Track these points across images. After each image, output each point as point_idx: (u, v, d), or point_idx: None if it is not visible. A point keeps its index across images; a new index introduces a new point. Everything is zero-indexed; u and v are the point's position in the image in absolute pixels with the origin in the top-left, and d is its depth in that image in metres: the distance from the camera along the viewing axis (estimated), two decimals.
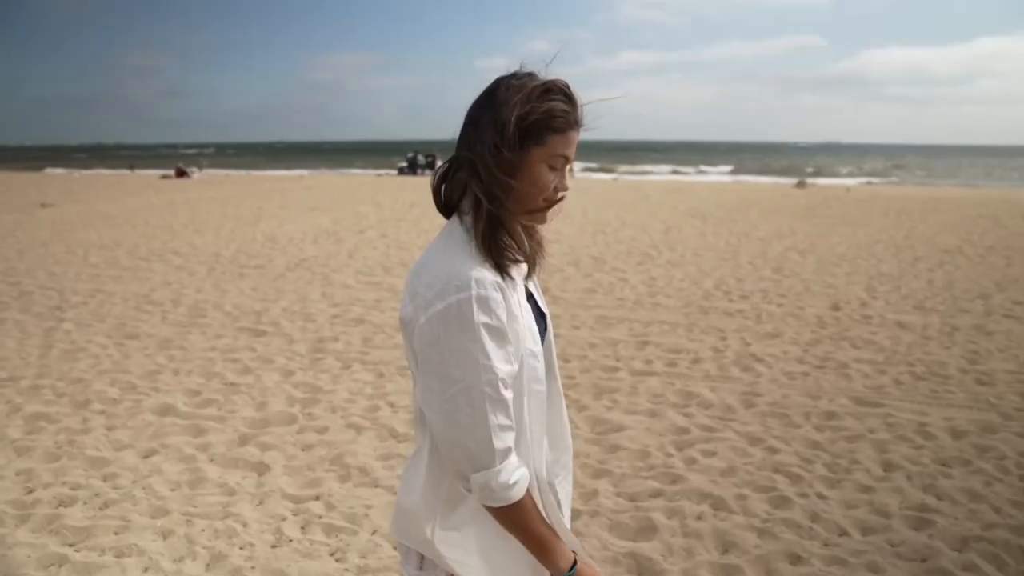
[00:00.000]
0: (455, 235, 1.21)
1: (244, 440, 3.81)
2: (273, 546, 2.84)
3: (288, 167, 44.36)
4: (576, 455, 3.42)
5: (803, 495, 3.21)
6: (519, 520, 1.21)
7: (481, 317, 1.14)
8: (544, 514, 1.26)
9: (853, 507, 3.12)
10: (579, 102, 1.22)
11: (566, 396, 3.12)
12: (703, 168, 44.65)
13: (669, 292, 7.12)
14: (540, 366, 1.26)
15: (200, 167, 33.83)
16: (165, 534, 2.92)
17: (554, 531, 1.25)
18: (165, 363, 5.02)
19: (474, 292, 1.13)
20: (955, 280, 7.72)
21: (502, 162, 1.17)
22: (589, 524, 2.99)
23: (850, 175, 38.30)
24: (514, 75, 1.20)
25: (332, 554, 2.79)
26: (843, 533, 2.93)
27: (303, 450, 3.69)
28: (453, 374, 1.15)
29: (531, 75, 1.20)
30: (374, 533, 2.93)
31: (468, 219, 1.20)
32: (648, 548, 2.82)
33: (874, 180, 34.01)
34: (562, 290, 7.23)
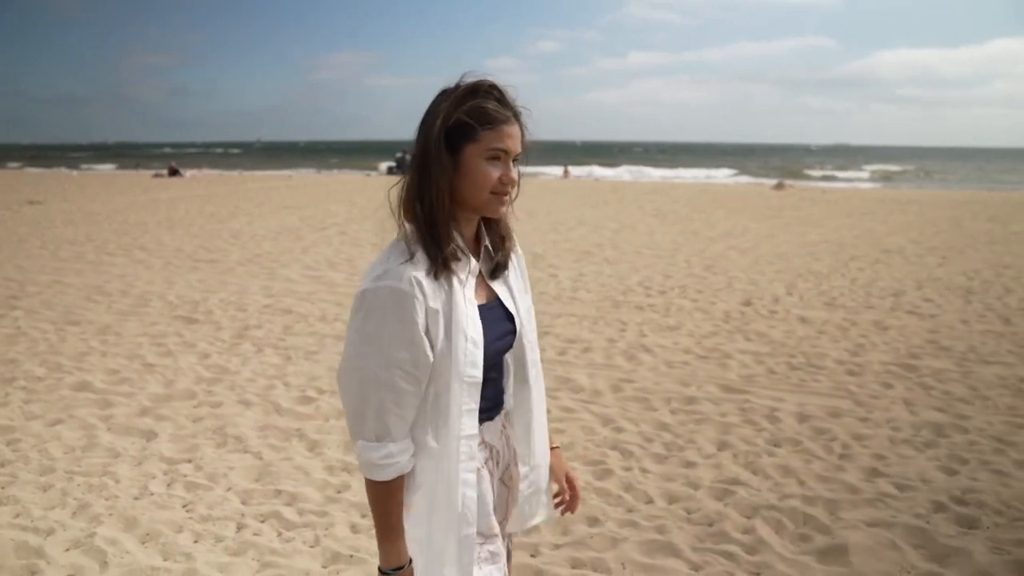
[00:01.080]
0: (400, 236, 1.32)
1: (143, 412, 4.17)
2: (136, 498, 3.20)
3: (288, 167, 44.83)
4: None
5: (627, 468, 3.53)
6: (373, 498, 1.31)
7: (390, 306, 1.22)
8: (438, 496, 1.32)
9: (670, 480, 3.43)
10: (510, 98, 1.30)
11: None
12: (703, 170, 44.49)
13: (591, 288, 7.46)
14: (479, 353, 1.31)
15: (199, 167, 34.32)
16: (45, 488, 3.29)
17: (398, 527, 1.31)
18: (96, 346, 5.40)
19: (390, 283, 1.22)
20: (878, 278, 8.02)
21: (440, 165, 1.26)
22: None
23: (847, 178, 38.39)
24: (453, 86, 1.30)
25: (184, 506, 3.15)
26: (649, 501, 3.24)
27: (193, 422, 4.05)
28: (356, 350, 1.26)
29: (471, 81, 1.29)
30: (228, 490, 3.29)
31: (409, 222, 1.31)
32: None
33: (864, 181, 34.18)
34: None
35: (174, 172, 27.13)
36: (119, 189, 22.15)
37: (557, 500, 1.67)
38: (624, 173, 41.47)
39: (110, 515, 3.04)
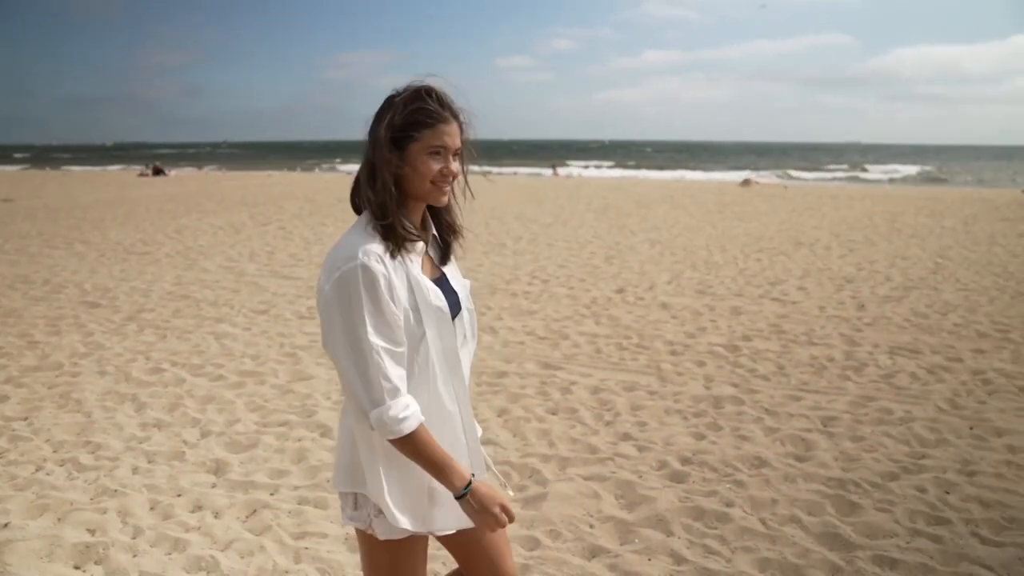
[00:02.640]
0: (360, 222, 1.49)
1: (7, 380, 4.63)
2: None
3: (286, 166, 45.36)
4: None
5: None
6: (414, 448, 1.43)
7: (364, 283, 1.39)
8: (444, 441, 1.48)
9: None
10: (448, 100, 1.48)
11: None
12: (706, 169, 43.44)
13: (479, 276, 7.91)
14: (446, 317, 1.51)
15: (200, 166, 34.73)
16: None
17: (449, 456, 1.46)
18: None
19: (360, 262, 1.40)
20: (768, 269, 8.41)
21: (387, 162, 1.44)
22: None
23: (847, 177, 38.22)
24: (399, 90, 1.48)
25: None
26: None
27: (48, 388, 4.51)
28: (344, 328, 1.40)
29: (410, 87, 1.47)
30: (46, 441, 3.74)
31: (366, 211, 1.49)
32: None
33: (841, 177, 34.25)
34: None
35: (158, 171, 27.74)
36: (96, 187, 22.76)
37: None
38: (611, 172, 41.74)
39: None
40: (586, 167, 46.66)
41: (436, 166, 1.47)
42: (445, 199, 1.53)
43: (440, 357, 1.51)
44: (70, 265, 8.69)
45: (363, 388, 1.40)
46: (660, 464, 3.55)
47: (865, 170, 44.68)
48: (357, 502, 1.55)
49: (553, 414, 4.19)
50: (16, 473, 3.37)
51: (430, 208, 1.61)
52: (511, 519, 1.51)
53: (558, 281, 7.71)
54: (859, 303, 6.78)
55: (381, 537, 1.53)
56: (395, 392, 1.40)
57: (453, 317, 1.56)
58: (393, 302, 1.42)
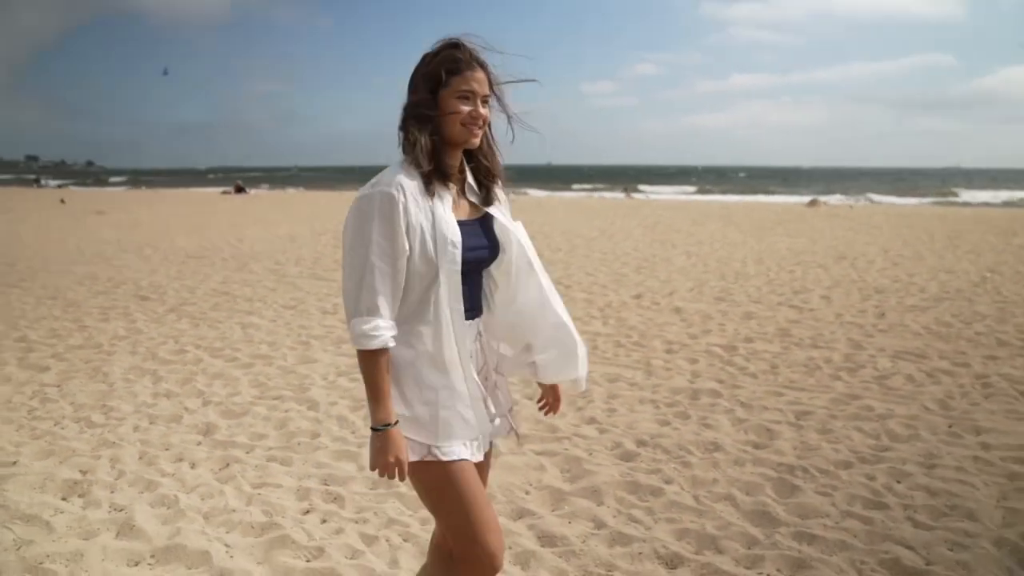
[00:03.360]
0: (396, 160, 1.63)
1: (53, 356, 5.18)
2: None
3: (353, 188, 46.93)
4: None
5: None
6: (363, 366, 1.56)
7: (380, 206, 1.52)
8: (416, 375, 1.59)
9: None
10: (474, 52, 1.61)
11: None
12: (789, 193, 40.75)
13: None
14: (458, 253, 1.58)
15: (293, 186, 36.38)
16: None
17: (386, 391, 1.55)
18: (57, 313, 6.54)
19: (381, 189, 1.53)
20: (799, 280, 8.27)
21: (421, 106, 1.58)
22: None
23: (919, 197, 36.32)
24: (439, 46, 1.62)
25: (30, 411, 4.09)
26: None
27: (84, 362, 5.02)
28: (351, 244, 1.55)
29: (441, 41, 1.62)
30: (63, 398, 4.21)
31: (402, 150, 1.62)
32: None
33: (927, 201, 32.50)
34: None
35: (240, 190, 29.48)
36: (180, 204, 24.41)
37: (541, 404, 1.99)
38: (686, 195, 41.18)
39: None
40: (657, 191, 46.21)
41: (465, 108, 1.59)
42: (476, 140, 1.64)
43: (449, 286, 1.59)
44: (135, 266, 9.49)
45: (352, 298, 1.54)
46: (615, 445, 3.67)
47: (955, 194, 41.90)
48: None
49: (528, 399, 4.36)
50: (36, 426, 3.82)
51: (469, 155, 1.71)
52: (401, 477, 1.57)
53: (580, 287, 7.87)
54: (881, 311, 6.64)
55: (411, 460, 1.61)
56: (374, 310, 1.52)
57: (484, 258, 1.67)
58: (408, 230, 1.53)
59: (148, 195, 33.28)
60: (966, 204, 32.85)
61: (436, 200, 1.59)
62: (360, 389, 4.42)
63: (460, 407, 1.63)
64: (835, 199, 32.05)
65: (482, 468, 1.77)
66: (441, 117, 1.59)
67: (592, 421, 3.99)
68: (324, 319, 6.38)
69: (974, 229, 14.61)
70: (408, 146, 1.59)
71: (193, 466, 3.37)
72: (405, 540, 2.72)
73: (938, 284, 8.05)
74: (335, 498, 3.04)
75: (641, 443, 3.67)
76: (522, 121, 1.71)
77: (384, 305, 1.53)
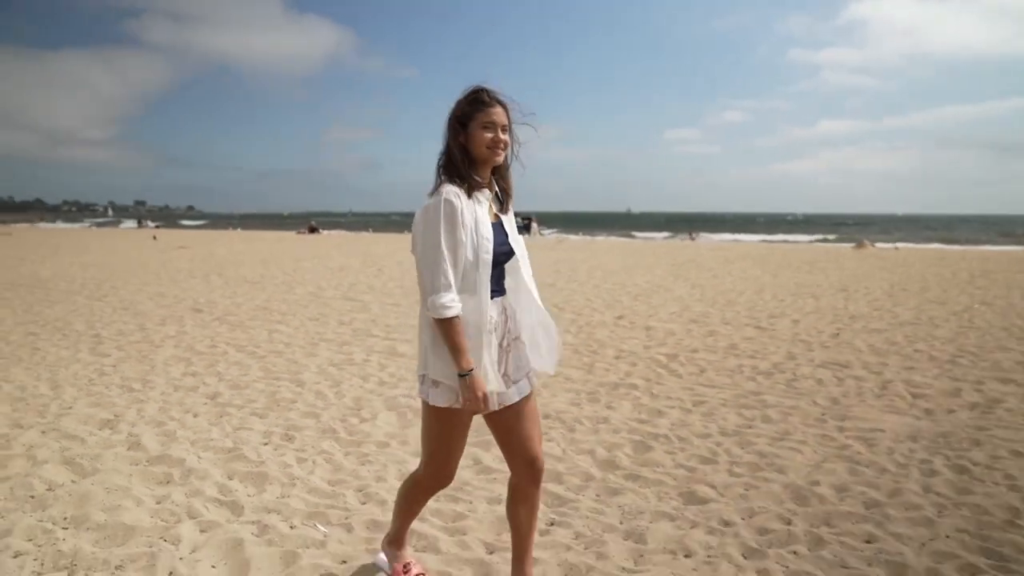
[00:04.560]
0: (443, 180, 2.11)
1: (116, 347, 6.47)
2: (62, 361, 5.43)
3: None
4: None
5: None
6: (446, 330, 2.01)
7: (444, 209, 2.00)
8: (472, 335, 2.03)
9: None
10: (494, 93, 2.12)
11: None
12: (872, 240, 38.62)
13: None
14: (490, 246, 2.07)
15: (368, 229, 38.64)
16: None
17: (465, 347, 2.00)
18: (128, 319, 7.93)
19: (443, 196, 2.02)
20: (783, 307, 8.85)
21: (456, 137, 2.09)
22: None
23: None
24: (467, 91, 2.13)
25: (94, 380, 5.31)
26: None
27: (138, 351, 6.27)
28: (424, 239, 2.02)
29: (470, 88, 2.13)
30: (119, 377, 5.41)
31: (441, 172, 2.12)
32: None
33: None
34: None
35: (313, 230, 31.78)
36: (255, 241, 26.65)
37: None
38: (742, 238, 41.15)
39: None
40: (722, 236, 46.11)
41: (488, 135, 2.10)
42: (499, 159, 2.13)
43: (485, 272, 2.07)
44: (198, 288, 10.99)
45: (429, 279, 2.00)
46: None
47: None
48: (424, 380, 2.13)
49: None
50: (91, 389, 5.03)
51: (496, 174, 2.21)
52: (486, 408, 2.05)
53: (573, 309, 8.73)
54: (836, 332, 7.21)
55: (431, 403, 2.11)
56: (448, 287, 2.00)
57: (507, 253, 2.15)
58: (463, 226, 2.01)
59: (231, 234, 36.29)
60: None
61: (476, 205, 2.09)
62: (339, 372, 5.50)
63: (486, 365, 2.08)
64: (884, 244, 31.41)
65: (520, 407, 2.22)
66: (471, 144, 2.11)
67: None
68: (338, 328, 7.50)
69: (1012, 268, 14.55)
70: (450, 165, 2.10)
71: (195, 416, 4.45)
72: (327, 462, 3.68)
73: (916, 312, 8.48)
74: (289, 438, 4.04)
75: (545, 416, 4.51)
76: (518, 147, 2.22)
77: (453, 284, 2.01)
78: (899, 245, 27.88)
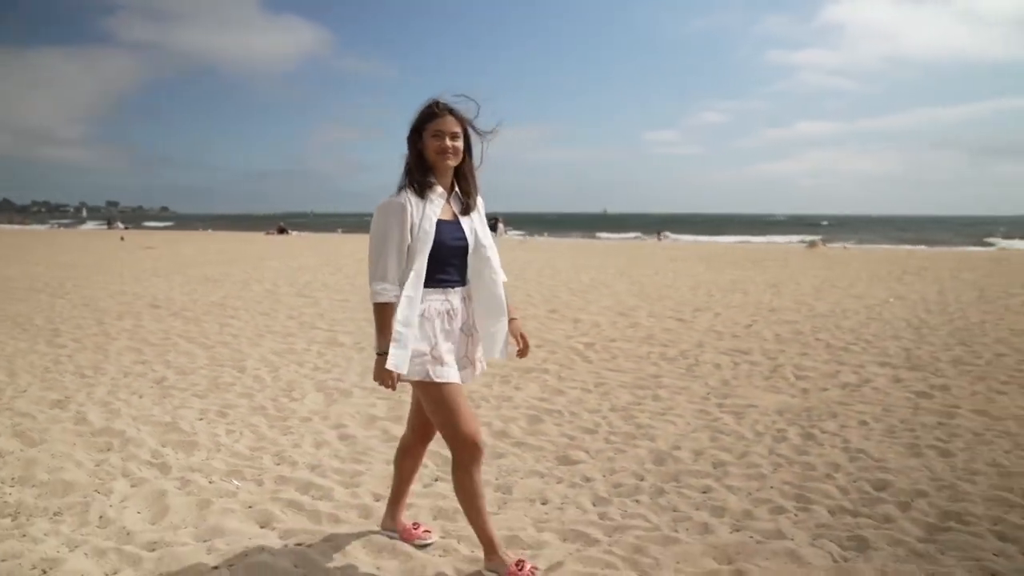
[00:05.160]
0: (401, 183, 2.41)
1: (73, 339, 6.87)
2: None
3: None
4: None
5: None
6: (376, 313, 2.32)
7: (392, 209, 2.32)
8: (404, 321, 2.29)
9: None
10: (445, 104, 2.39)
11: None
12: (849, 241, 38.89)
13: None
14: (429, 238, 2.33)
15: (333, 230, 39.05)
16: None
17: (390, 330, 2.27)
18: (82, 313, 8.31)
19: (395, 200, 2.33)
20: (711, 302, 9.47)
21: (414, 143, 2.39)
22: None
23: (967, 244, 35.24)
24: (424, 103, 2.41)
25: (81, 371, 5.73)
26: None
27: (92, 340, 6.68)
28: (375, 233, 2.34)
29: (429, 99, 2.41)
30: (74, 365, 5.83)
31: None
32: None
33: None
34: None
35: (282, 231, 32.03)
36: (223, 242, 26.89)
37: (516, 350, 2.69)
38: (704, 237, 42.03)
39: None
40: (687, 237, 46.98)
41: (437, 142, 2.38)
42: (449, 163, 2.40)
43: (435, 261, 2.36)
44: (160, 286, 11.37)
45: (372, 268, 2.34)
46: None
47: (989, 244, 39.78)
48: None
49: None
50: (46, 376, 5.45)
51: (458, 177, 2.47)
52: (391, 387, 2.31)
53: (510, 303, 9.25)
54: (750, 323, 7.82)
55: (407, 378, 2.35)
56: (384, 277, 2.31)
57: (463, 247, 2.43)
58: (410, 227, 2.31)
59: (200, 235, 36.44)
60: (1000, 249, 32.53)
61: (428, 204, 2.37)
62: (279, 360, 5.98)
63: (440, 348, 2.36)
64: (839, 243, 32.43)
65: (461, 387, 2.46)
66: (425, 150, 2.39)
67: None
68: (286, 321, 7.96)
69: (946, 267, 15.37)
70: (408, 169, 2.40)
71: (141, 397, 4.90)
72: (252, 433, 4.16)
73: (832, 306, 9.14)
74: (222, 415, 4.51)
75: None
76: (485, 136, 2.48)
77: (391, 274, 2.30)
78: (847, 245, 28.78)
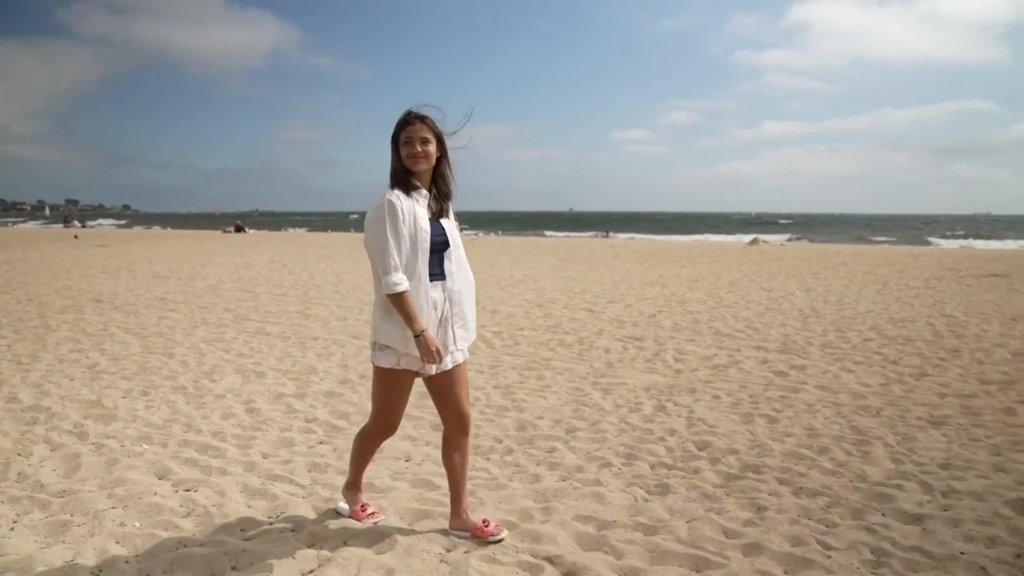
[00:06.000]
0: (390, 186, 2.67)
1: (16, 328, 7.29)
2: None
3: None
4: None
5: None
6: (399, 303, 2.54)
7: (387, 208, 2.54)
8: (417, 306, 2.55)
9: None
10: (417, 112, 2.65)
11: None
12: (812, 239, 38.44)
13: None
14: (427, 235, 2.60)
15: (286, 229, 39.02)
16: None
17: (415, 311, 2.54)
18: (25, 307, 8.69)
19: (388, 198, 2.56)
20: (594, 294, 10.18)
21: (394, 150, 2.64)
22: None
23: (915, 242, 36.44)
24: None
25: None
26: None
27: (33, 333, 7.11)
28: (375, 232, 2.56)
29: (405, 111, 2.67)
30: (12, 354, 6.28)
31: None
32: None
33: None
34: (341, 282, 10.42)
35: (239, 229, 32.19)
36: (178, 240, 27.04)
37: None
38: (651, 236, 42.93)
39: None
40: (636, 235, 47.78)
41: (408, 148, 2.65)
42: (419, 167, 2.65)
43: (422, 260, 2.60)
44: (105, 282, 11.73)
45: (380, 264, 2.54)
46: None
47: (927, 243, 39.20)
48: (374, 347, 2.69)
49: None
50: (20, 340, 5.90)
51: (435, 182, 2.74)
52: (439, 361, 2.59)
53: None
54: (655, 313, 8.53)
55: (377, 365, 2.67)
56: (396, 268, 2.54)
57: (444, 244, 2.67)
58: (403, 222, 2.55)
59: (152, 233, 36.48)
60: (932, 247, 33.94)
61: (415, 204, 2.62)
62: (207, 347, 6.50)
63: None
64: (777, 239, 33.60)
65: (454, 373, 2.77)
66: (401, 155, 2.66)
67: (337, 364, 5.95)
68: (222, 314, 8.46)
69: (867, 263, 16.33)
70: (392, 173, 2.68)
71: (72, 380, 5.38)
72: (169, 408, 4.68)
73: (740, 297, 9.91)
74: (144, 393, 5.02)
75: (362, 377, 5.61)
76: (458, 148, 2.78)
77: (399, 264, 2.54)
78: (784, 242, 29.99)
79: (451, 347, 2.72)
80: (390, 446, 4.03)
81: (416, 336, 2.55)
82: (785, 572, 2.72)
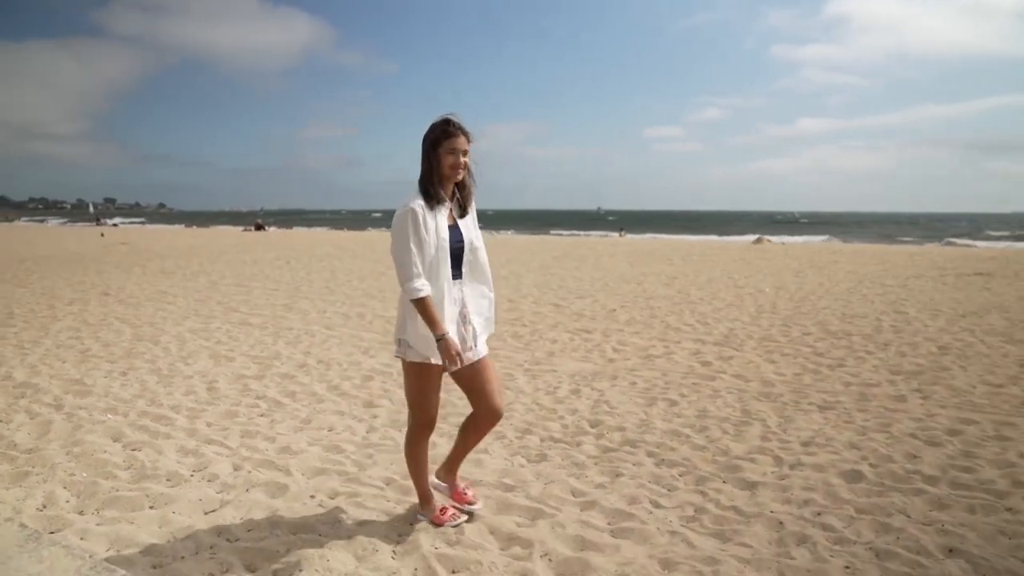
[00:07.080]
0: (414, 190, 2.75)
1: (12, 317, 8.08)
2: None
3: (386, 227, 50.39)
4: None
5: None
6: (421, 307, 2.65)
7: (410, 216, 2.64)
8: (439, 308, 2.67)
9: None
10: (460, 123, 2.73)
11: None
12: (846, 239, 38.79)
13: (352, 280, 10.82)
14: (447, 244, 2.72)
15: (311, 227, 40.06)
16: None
17: (437, 316, 2.65)
18: (39, 299, 9.50)
19: (410, 206, 2.66)
20: (569, 290, 10.69)
21: (427, 159, 2.71)
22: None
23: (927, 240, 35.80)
24: (438, 120, 2.72)
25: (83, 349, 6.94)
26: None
27: (44, 315, 7.89)
28: (397, 239, 2.65)
29: (441, 117, 2.73)
30: (17, 342, 7.04)
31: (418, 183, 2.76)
32: None
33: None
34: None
35: (259, 227, 33.25)
36: (199, 237, 28.18)
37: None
38: (664, 235, 43.16)
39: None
40: (652, 235, 48.06)
41: (451, 159, 2.73)
42: (459, 178, 2.78)
43: (444, 264, 2.74)
44: (117, 277, 12.59)
45: (403, 271, 2.65)
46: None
47: (951, 243, 37.60)
48: (400, 343, 2.80)
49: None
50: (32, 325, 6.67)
51: (457, 185, 2.83)
52: (460, 363, 2.71)
53: None
54: (615, 308, 9.04)
55: (408, 360, 2.78)
56: (418, 275, 2.66)
57: (461, 248, 2.81)
58: (425, 229, 2.67)
59: (173, 230, 38.04)
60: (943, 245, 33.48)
61: (437, 212, 2.74)
62: (191, 336, 7.20)
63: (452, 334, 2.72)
64: (785, 239, 33.49)
65: (479, 366, 2.90)
66: (438, 165, 2.73)
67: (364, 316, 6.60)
68: (214, 306, 9.18)
69: (859, 262, 16.56)
70: (423, 180, 2.75)
71: (63, 362, 6.10)
72: (141, 386, 5.36)
73: (706, 295, 10.35)
74: (123, 374, 5.70)
75: (320, 361, 6.24)
76: (478, 166, 2.88)
77: (420, 270, 2.65)
78: (785, 241, 30.10)
79: (469, 342, 2.87)
80: (319, 419, 4.65)
81: (438, 339, 2.69)
82: (608, 523, 3.16)
